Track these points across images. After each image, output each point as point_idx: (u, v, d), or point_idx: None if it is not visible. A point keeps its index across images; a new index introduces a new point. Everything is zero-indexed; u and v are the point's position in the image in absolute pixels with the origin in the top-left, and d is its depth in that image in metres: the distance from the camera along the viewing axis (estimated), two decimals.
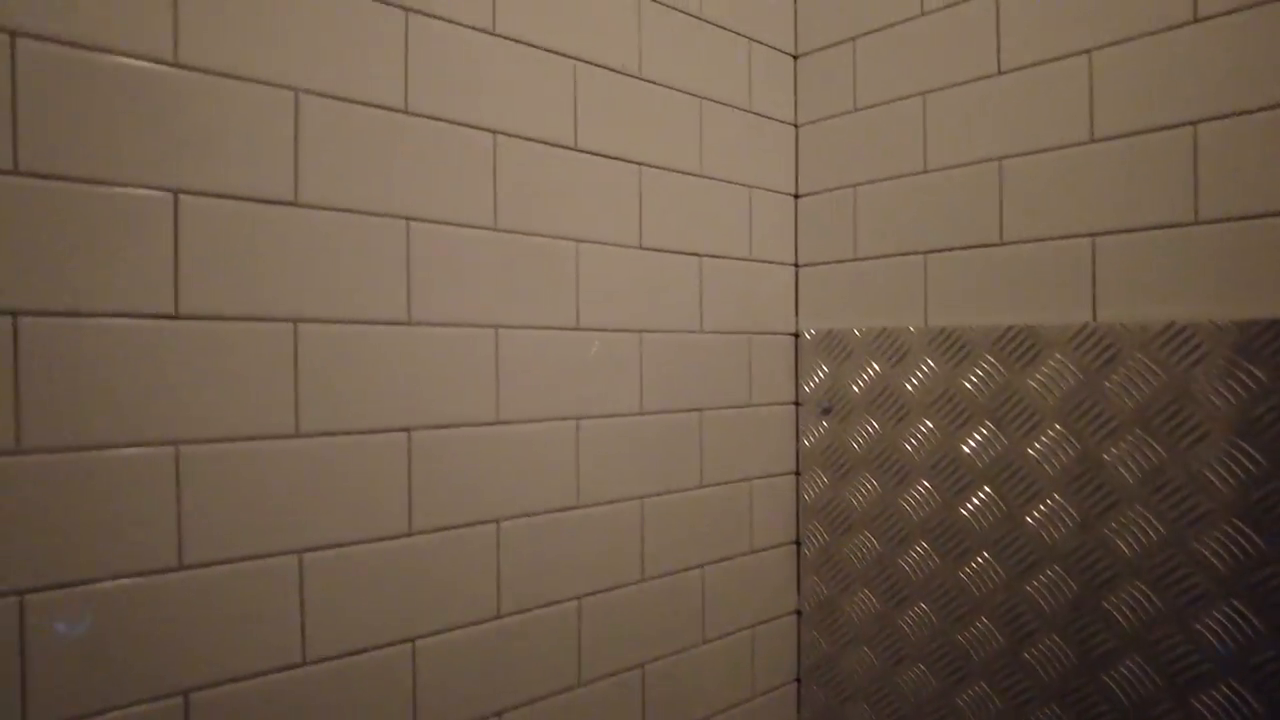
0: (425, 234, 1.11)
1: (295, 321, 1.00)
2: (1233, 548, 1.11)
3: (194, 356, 0.92)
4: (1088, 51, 1.25)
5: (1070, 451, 1.26)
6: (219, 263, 0.94)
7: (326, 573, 1.02)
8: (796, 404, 1.65)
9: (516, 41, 1.21)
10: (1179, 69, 1.16)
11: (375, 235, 1.06)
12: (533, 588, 1.22)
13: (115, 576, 0.87)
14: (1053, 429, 1.28)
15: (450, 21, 1.13)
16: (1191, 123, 1.15)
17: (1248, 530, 1.10)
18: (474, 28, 1.16)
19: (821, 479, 1.61)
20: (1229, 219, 1.12)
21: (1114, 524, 1.22)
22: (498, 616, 1.18)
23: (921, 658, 1.45)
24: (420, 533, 1.10)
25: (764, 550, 1.58)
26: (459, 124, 1.14)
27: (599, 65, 1.31)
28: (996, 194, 1.35)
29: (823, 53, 1.60)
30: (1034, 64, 1.30)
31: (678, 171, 1.42)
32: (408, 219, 1.09)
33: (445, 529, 1.13)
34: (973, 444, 1.38)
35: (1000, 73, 1.34)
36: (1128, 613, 1.20)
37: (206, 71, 0.93)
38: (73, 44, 0.85)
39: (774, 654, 1.60)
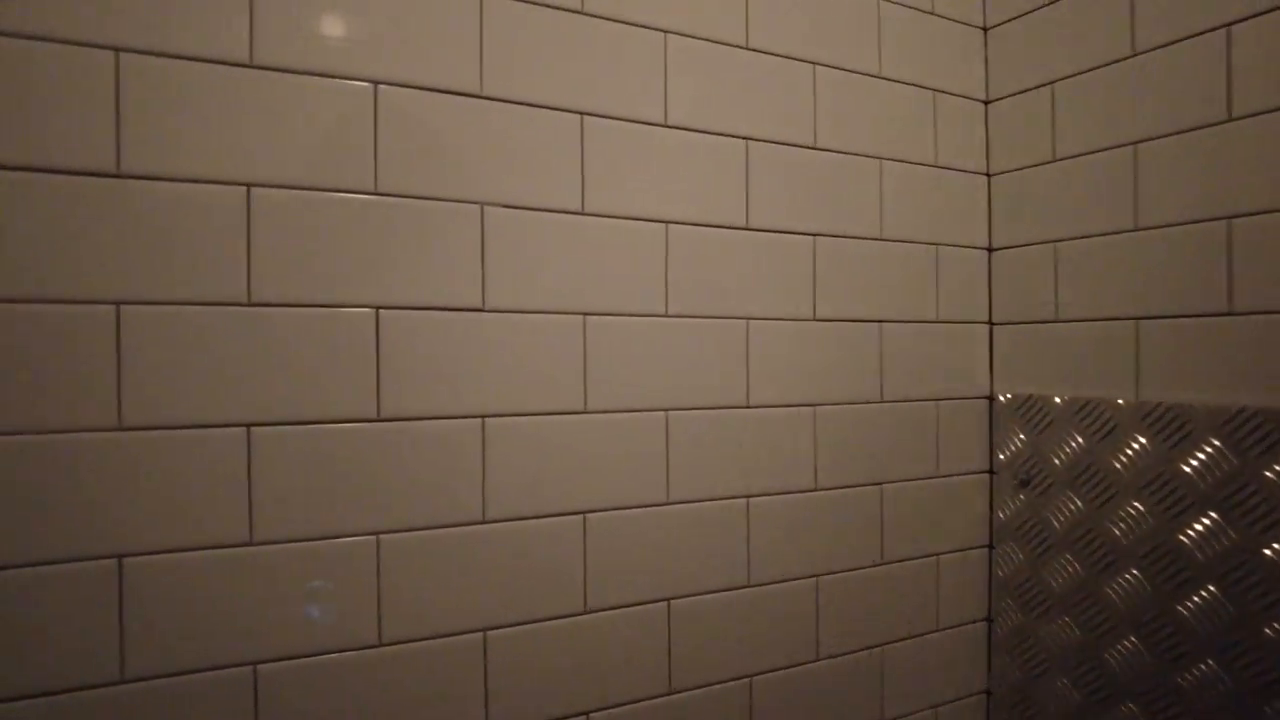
0: (600, 327, 1.16)
1: (483, 417, 1.08)
2: None
3: (395, 455, 1.03)
4: None
5: None
6: (417, 369, 1.04)
7: (509, 648, 1.09)
8: (991, 472, 1.55)
9: (688, 130, 1.23)
10: None
11: (556, 333, 1.12)
12: (703, 666, 1.24)
13: (319, 652, 0.99)
14: None
15: (624, 119, 1.17)
16: None
17: None
18: (647, 123, 1.19)
19: (1017, 554, 1.50)
20: None
21: None
22: (669, 693, 1.21)
23: None
24: (594, 611, 1.15)
25: (951, 628, 1.50)
26: (633, 219, 1.18)
27: (772, 141, 1.30)
28: (1224, 256, 1.20)
29: (1017, 99, 1.49)
30: (1272, 110, 1.14)
31: (855, 238, 1.38)
32: (584, 314, 1.14)
33: (617, 607, 1.17)
34: (1194, 535, 1.23)
35: (1231, 119, 1.19)
36: None
37: (402, 196, 1.03)
38: (296, 186, 0.97)
39: None
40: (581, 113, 1.14)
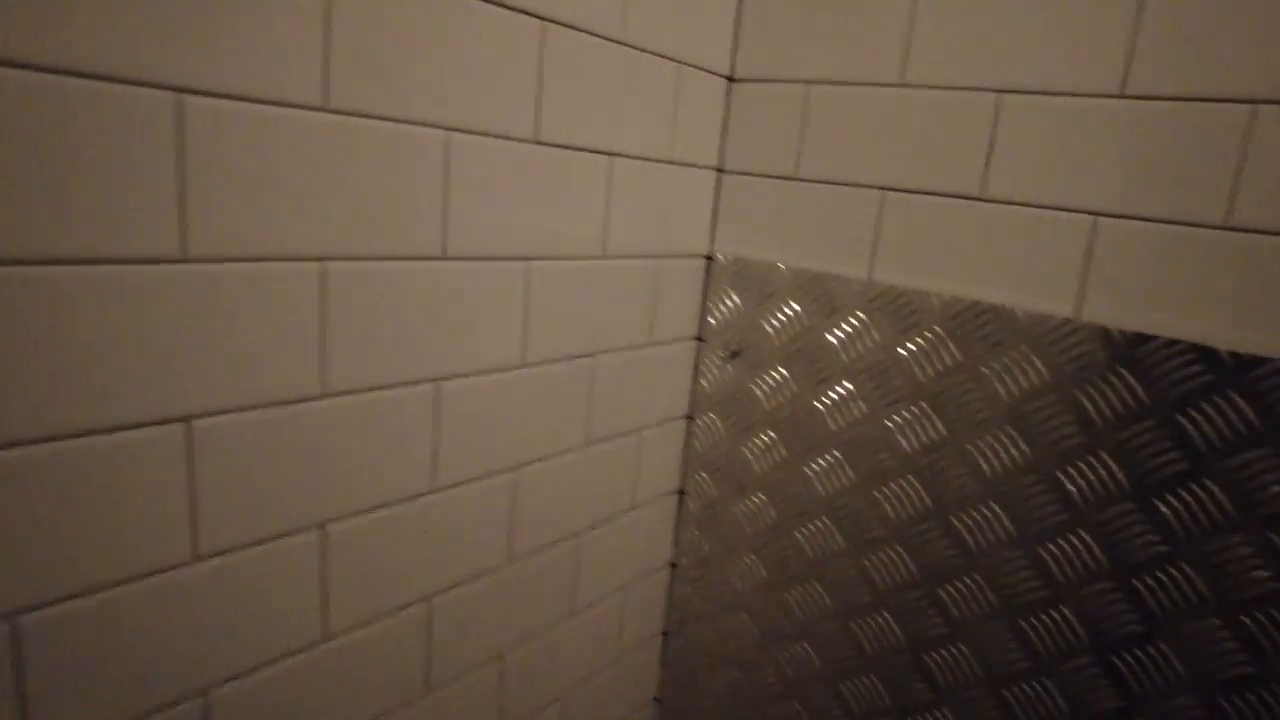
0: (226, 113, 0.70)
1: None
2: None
3: None
4: None
5: (1018, 458, 1.10)
6: None
7: None
8: (699, 339, 1.39)
9: None
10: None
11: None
12: (371, 596, 0.93)
13: None
14: (1005, 432, 1.10)
15: None
16: (1244, 100, 0.92)
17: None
18: None
19: (718, 427, 1.38)
20: None
21: (1055, 547, 1.08)
22: (324, 640, 0.89)
23: (806, 637, 1.32)
24: (206, 557, 0.78)
25: (646, 505, 1.36)
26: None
27: None
28: (988, 135, 1.08)
29: None
30: None
31: (593, 34, 1.03)
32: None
33: (251, 545, 0.80)
34: (901, 424, 1.19)
35: None
36: (1038, 638, 1.10)
37: None
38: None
39: (644, 607, 1.43)
40: None
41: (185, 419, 0.73)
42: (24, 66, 0.58)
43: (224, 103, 0.70)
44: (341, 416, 0.85)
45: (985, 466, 1.12)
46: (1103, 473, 1.04)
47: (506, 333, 1.02)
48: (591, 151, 1.07)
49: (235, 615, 0.80)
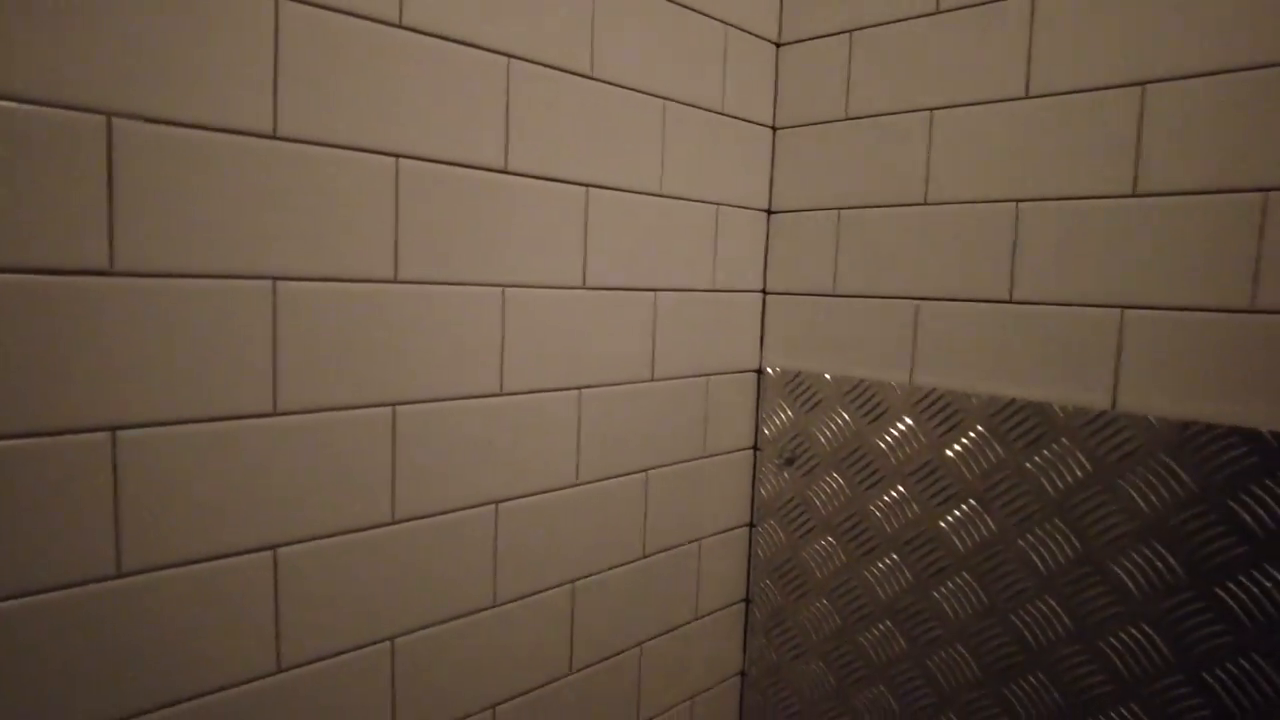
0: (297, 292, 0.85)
1: None
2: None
3: None
4: (1141, 84, 1.03)
5: (1070, 552, 1.11)
6: None
7: None
8: (755, 449, 1.46)
9: (427, 34, 0.92)
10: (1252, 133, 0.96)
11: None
12: (436, 709, 1.01)
13: None
14: (1053, 524, 1.12)
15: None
16: (1262, 189, 0.96)
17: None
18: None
19: (779, 534, 1.43)
20: None
21: (1117, 641, 1.07)
22: None
23: None
24: (290, 669, 0.88)
25: (711, 614, 1.41)
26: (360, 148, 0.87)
27: (539, 63, 1.04)
28: (1010, 242, 1.15)
29: (812, 44, 1.35)
30: (1070, 91, 1.09)
31: (633, 192, 1.17)
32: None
33: (320, 659, 0.90)
34: (954, 523, 1.22)
35: (1028, 96, 1.12)
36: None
37: None
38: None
39: (716, 717, 1.44)
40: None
41: (273, 547, 0.84)
42: None
43: (311, 285, 0.85)
44: (409, 541, 0.96)
45: (1039, 561, 1.13)
46: (1158, 563, 1.04)
47: (560, 457, 1.12)
48: (637, 290, 1.19)
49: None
